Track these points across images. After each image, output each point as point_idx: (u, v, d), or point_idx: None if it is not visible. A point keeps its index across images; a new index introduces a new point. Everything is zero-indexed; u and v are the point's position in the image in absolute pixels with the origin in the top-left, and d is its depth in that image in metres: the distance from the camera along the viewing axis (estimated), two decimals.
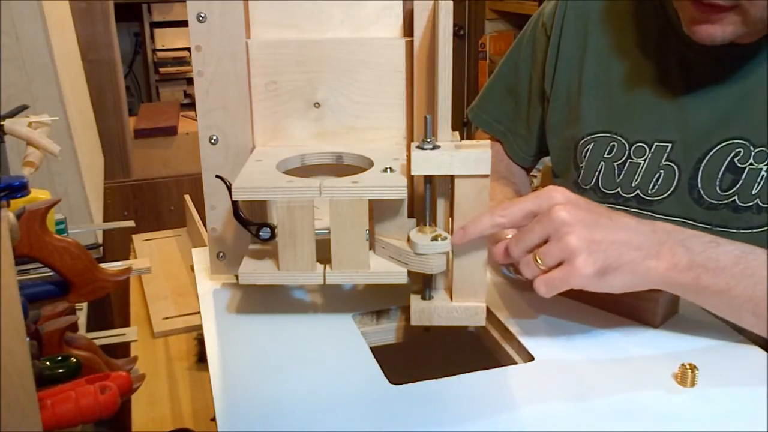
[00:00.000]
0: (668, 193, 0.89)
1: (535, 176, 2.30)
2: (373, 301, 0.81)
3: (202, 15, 0.76)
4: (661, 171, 0.89)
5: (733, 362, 0.69)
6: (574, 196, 0.69)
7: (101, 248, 1.38)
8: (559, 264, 0.66)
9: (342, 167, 0.80)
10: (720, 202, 0.86)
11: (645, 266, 0.67)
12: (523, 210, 0.68)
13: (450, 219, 0.72)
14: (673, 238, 0.68)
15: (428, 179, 0.72)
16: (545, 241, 0.67)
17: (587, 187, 0.96)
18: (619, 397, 0.64)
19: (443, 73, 0.71)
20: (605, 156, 0.94)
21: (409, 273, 0.72)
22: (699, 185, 0.87)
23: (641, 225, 0.68)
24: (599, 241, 0.65)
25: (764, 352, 0.70)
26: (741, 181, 0.84)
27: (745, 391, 0.64)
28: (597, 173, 0.95)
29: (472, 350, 0.81)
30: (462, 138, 0.74)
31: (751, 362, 0.69)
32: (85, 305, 1.06)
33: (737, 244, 0.69)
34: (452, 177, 0.70)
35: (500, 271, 0.87)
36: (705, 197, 0.87)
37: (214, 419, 0.62)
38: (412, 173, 0.70)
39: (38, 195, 0.85)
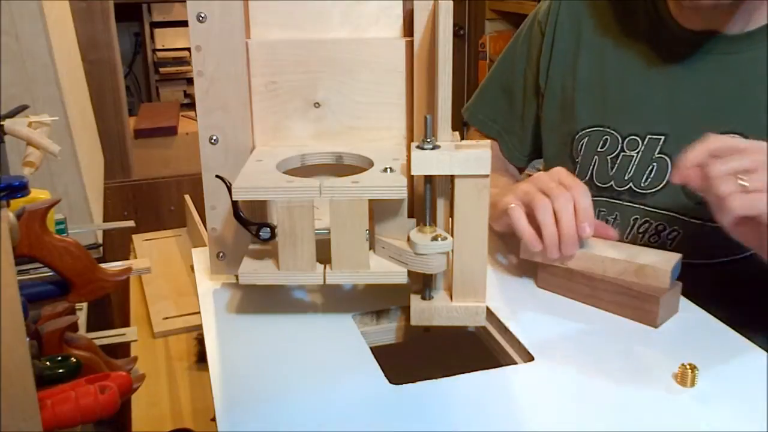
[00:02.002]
0: (660, 186, 0.90)
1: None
2: (373, 301, 0.81)
3: (202, 15, 0.76)
4: (654, 164, 0.90)
5: (733, 362, 0.69)
6: None
7: (101, 248, 1.37)
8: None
9: (342, 167, 0.80)
10: None
11: None
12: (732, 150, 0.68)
13: (450, 219, 0.72)
14: None
15: (428, 179, 0.72)
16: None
17: (582, 181, 0.96)
18: (619, 397, 0.64)
19: (443, 73, 0.71)
20: (599, 150, 0.95)
21: (409, 273, 0.72)
22: None
23: None
24: None
25: (764, 353, 0.70)
26: None
27: (745, 391, 0.64)
28: (591, 167, 0.95)
29: (472, 350, 0.81)
30: (462, 138, 0.74)
31: (751, 362, 0.69)
32: (85, 305, 1.06)
33: None
34: (452, 177, 0.70)
35: (500, 268, 0.87)
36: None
37: (214, 419, 0.62)
38: (412, 173, 0.70)
39: (38, 195, 0.85)
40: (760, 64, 0.85)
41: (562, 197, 0.77)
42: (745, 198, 0.66)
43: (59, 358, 0.63)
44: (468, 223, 0.70)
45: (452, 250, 0.71)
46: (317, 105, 0.81)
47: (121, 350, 1.11)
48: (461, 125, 2.86)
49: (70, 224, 1.19)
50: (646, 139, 0.91)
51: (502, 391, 0.65)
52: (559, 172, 0.80)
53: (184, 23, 2.81)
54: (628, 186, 0.92)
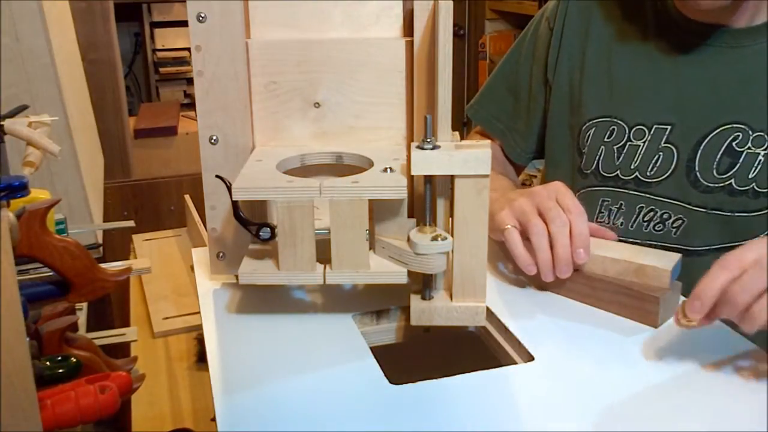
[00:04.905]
0: (666, 175, 0.91)
1: (535, 176, 2.30)
2: (373, 301, 0.81)
3: (202, 15, 0.76)
4: (660, 153, 0.91)
5: (732, 362, 0.69)
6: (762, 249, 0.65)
7: (101, 248, 1.37)
8: None
9: (342, 167, 0.80)
10: (716, 185, 0.88)
11: None
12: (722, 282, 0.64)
13: (450, 219, 0.72)
14: None
15: (428, 179, 0.72)
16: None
17: (588, 171, 0.98)
18: (619, 397, 0.64)
19: (443, 73, 0.71)
20: (605, 140, 0.96)
21: (409, 273, 0.72)
22: (696, 168, 0.89)
23: None
24: None
25: (764, 352, 0.70)
26: (738, 165, 0.86)
27: (744, 391, 0.64)
28: (597, 157, 0.96)
29: (472, 350, 0.81)
30: (462, 138, 0.74)
31: (751, 362, 0.69)
32: (85, 305, 1.06)
33: None
34: (452, 177, 0.70)
35: (499, 269, 0.87)
36: (701, 180, 0.89)
37: (214, 419, 0.62)
38: (412, 173, 0.70)
39: (38, 195, 0.85)
40: (764, 58, 0.87)
41: (558, 220, 0.76)
42: None
43: (59, 358, 0.63)
44: (468, 223, 0.70)
45: (452, 250, 0.71)
46: (317, 105, 0.81)
47: (121, 350, 1.11)
48: (461, 125, 2.85)
49: (70, 224, 1.19)
50: (653, 129, 0.92)
51: (502, 391, 0.65)
52: (558, 189, 0.79)
53: (184, 23, 2.81)
54: (634, 175, 0.93)
